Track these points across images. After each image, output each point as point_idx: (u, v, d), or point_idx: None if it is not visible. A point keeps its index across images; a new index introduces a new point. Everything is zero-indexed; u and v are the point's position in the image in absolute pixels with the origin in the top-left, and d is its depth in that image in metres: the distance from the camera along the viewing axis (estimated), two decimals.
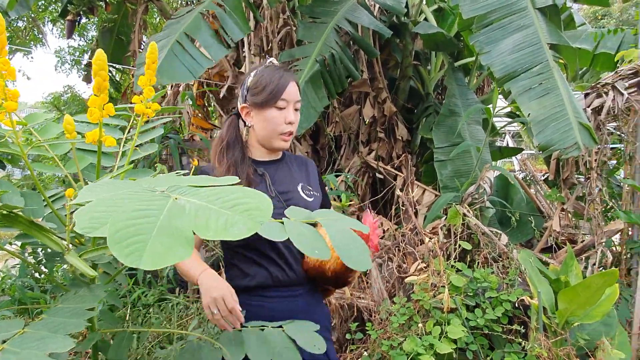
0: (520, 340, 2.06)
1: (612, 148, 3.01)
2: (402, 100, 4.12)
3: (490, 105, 3.13)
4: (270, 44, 4.00)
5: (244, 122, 1.38)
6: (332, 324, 2.62)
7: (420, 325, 2.04)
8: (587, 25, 4.70)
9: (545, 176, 3.69)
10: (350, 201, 3.01)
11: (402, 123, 3.89)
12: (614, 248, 2.78)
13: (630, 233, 2.61)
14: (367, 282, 2.58)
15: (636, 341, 2.26)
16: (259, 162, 1.38)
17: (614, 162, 3.01)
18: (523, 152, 4.92)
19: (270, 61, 1.38)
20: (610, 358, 1.96)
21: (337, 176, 3.45)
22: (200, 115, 5.04)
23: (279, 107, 1.30)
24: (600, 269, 2.57)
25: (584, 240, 2.76)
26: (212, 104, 5.15)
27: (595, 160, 2.65)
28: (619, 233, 2.70)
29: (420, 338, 2.01)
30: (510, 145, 10.54)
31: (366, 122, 3.91)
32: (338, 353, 2.60)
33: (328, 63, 2.90)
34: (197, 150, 3.29)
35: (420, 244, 2.84)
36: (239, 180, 1.26)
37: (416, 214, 3.20)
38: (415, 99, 4.34)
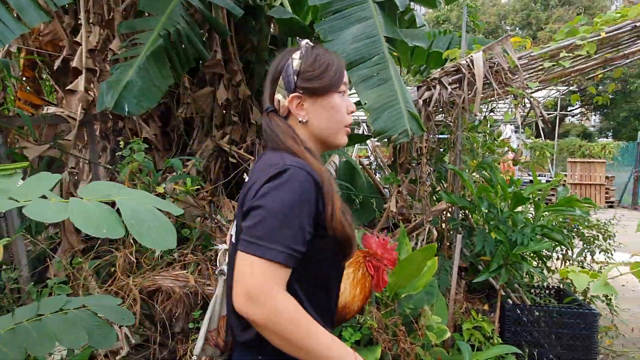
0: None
1: (441, 137, 3.37)
2: (257, 85, 4.08)
3: None
4: (112, 13, 3.61)
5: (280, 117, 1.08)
6: (177, 314, 2.50)
7: None
8: (427, 27, 5.20)
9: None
10: (199, 186, 2.89)
11: (257, 107, 3.86)
12: (440, 225, 3.14)
13: (451, 212, 2.97)
14: (214, 268, 2.51)
15: (452, 306, 2.59)
16: None
17: (442, 149, 3.38)
18: (373, 138, 5.27)
19: (307, 42, 1.11)
20: (430, 323, 2.20)
21: (188, 160, 3.29)
22: (29, 89, 4.37)
23: (341, 92, 1.07)
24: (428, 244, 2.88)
25: (416, 219, 3.05)
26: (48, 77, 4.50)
27: (425, 147, 2.94)
28: (444, 212, 3.05)
29: None
30: (367, 133, 11.31)
31: (220, 105, 3.79)
32: (183, 343, 2.50)
33: (173, 39, 2.71)
34: (17, 129, 2.83)
35: None
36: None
37: None
38: None
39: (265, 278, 0.85)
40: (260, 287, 0.85)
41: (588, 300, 3.37)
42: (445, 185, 3.22)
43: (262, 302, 0.84)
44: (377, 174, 4.29)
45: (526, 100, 2.78)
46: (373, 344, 2.14)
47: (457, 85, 2.88)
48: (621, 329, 3.61)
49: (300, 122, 1.06)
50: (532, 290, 3.17)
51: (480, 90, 2.65)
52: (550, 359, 2.71)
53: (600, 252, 3.60)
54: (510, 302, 2.91)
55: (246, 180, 1.11)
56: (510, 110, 2.95)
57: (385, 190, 3.61)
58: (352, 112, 1.10)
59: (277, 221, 0.87)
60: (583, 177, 13.11)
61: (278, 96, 1.07)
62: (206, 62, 3.54)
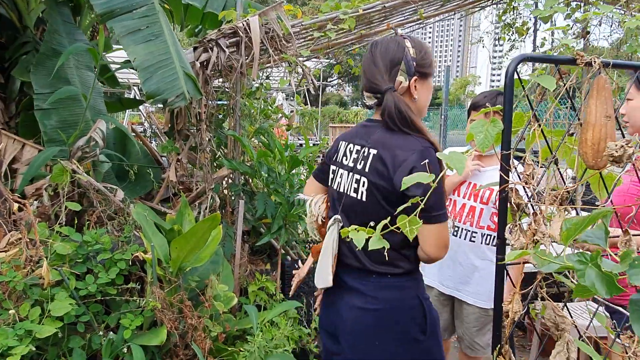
0: (137, 297, 2.00)
1: (220, 102, 3.28)
2: None
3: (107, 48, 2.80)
4: None
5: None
6: None
7: (12, 311, 1.66)
8: None
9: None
10: None
11: None
12: (222, 192, 3.10)
13: (233, 178, 2.95)
14: None
15: (237, 271, 2.61)
16: None
17: (221, 115, 3.30)
18: (146, 102, 4.81)
19: (401, 34, 1.42)
20: (217, 292, 2.16)
21: None
22: None
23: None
24: (212, 212, 2.80)
25: (197, 188, 2.94)
26: None
27: (205, 112, 2.82)
28: (225, 178, 3.01)
29: (13, 327, 1.63)
30: (139, 97, 10.34)
31: None
32: None
33: None
34: None
35: (20, 211, 2.33)
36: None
37: (14, 173, 2.60)
38: (10, 32, 3.47)
39: (446, 232, 1.30)
40: (447, 239, 1.31)
41: None
42: (225, 152, 3.17)
43: (449, 246, 1.32)
44: (153, 142, 3.95)
45: (299, 68, 2.92)
46: (157, 326, 1.99)
47: (235, 49, 2.81)
48: None
49: (413, 99, 1.37)
50: (308, 245, 3.46)
51: (258, 55, 2.65)
52: None
53: None
54: (289, 258, 3.12)
55: (372, 152, 1.34)
56: (285, 77, 3.05)
57: (163, 159, 3.35)
58: None
59: (440, 194, 1.24)
60: None
61: (400, 78, 1.34)
62: None
